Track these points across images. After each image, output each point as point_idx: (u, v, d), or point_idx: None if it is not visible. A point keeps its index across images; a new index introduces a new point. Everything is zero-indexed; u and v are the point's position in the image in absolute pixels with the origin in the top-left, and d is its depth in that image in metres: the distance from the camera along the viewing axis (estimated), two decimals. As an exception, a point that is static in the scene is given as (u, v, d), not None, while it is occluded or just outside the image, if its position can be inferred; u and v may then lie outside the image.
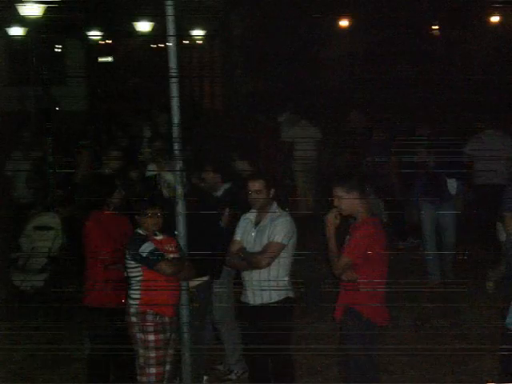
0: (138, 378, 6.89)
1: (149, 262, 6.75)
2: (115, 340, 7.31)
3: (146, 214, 6.85)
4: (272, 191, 7.16)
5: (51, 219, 10.53)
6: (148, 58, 29.21)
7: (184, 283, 6.89)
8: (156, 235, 6.91)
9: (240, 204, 7.86)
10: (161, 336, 6.83)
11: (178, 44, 6.47)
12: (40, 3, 17.26)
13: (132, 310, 6.85)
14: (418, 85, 21.62)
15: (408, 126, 13.78)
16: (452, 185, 10.80)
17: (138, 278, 6.82)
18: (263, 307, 7.10)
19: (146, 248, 6.75)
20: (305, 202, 15.34)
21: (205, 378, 7.87)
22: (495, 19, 28.46)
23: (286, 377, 7.21)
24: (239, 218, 7.40)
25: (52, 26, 20.95)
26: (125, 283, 7.03)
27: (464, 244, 11.26)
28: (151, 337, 6.80)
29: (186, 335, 6.76)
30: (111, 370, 7.61)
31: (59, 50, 31.63)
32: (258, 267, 7.04)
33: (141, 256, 6.75)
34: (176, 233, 6.76)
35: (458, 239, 11.13)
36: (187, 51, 27.97)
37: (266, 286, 7.06)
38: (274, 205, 7.21)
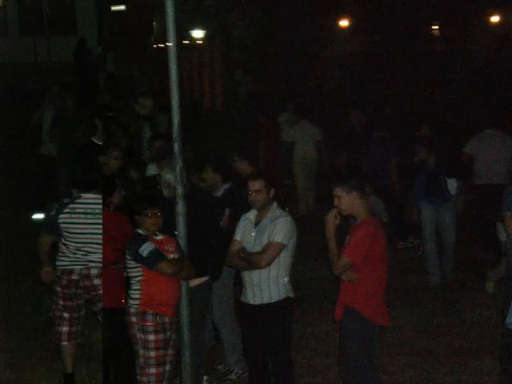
0: (138, 377, 6.89)
1: (149, 262, 6.75)
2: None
3: (146, 214, 6.86)
4: (272, 191, 7.15)
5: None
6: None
7: (184, 283, 6.88)
8: (156, 235, 6.91)
9: (240, 204, 7.86)
10: (161, 336, 6.83)
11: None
12: None
13: (132, 310, 6.85)
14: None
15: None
16: (452, 185, 10.78)
17: (138, 278, 6.82)
18: (263, 307, 7.09)
19: (146, 248, 6.75)
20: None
21: (205, 377, 7.87)
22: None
23: (286, 377, 7.21)
24: (239, 217, 7.40)
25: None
26: (125, 283, 7.04)
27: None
28: (151, 337, 6.80)
29: (185, 335, 6.75)
30: (111, 369, 7.62)
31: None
32: (258, 267, 7.04)
33: (141, 256, 6.75)
34: (176, 233, 6.75)
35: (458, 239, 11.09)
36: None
37: (266, 285, 7.06)
38: (274, 205, 7.20)
